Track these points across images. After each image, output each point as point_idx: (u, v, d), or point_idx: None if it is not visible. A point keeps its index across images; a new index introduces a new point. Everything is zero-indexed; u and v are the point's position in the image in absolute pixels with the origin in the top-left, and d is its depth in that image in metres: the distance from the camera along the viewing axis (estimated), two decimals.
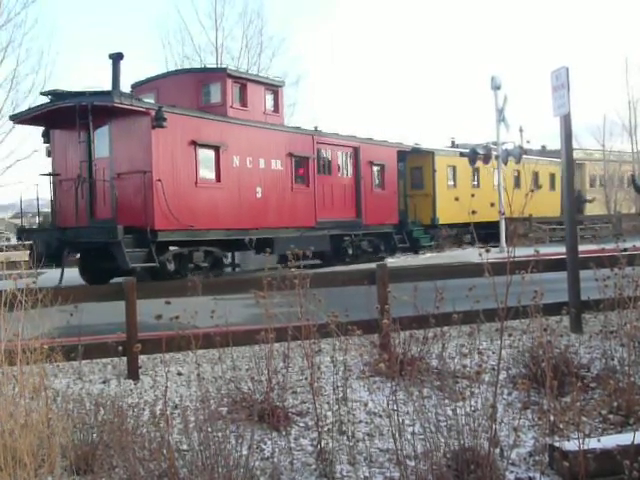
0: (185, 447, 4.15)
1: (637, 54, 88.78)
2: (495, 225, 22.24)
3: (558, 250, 10.20)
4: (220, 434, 3.97)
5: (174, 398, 5.80)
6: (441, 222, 24.37)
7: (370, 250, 21.74)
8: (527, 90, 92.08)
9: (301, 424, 5.24)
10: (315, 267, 18.66)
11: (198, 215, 15.86)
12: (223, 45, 31.24)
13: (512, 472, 4.27)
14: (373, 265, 7.43)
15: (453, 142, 31.10)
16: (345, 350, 5.26)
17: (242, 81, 17.97)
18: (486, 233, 23.09)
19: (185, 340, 4.98)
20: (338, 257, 20.45)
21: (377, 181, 22.35)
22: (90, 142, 15.07)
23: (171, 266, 15.57)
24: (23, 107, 20.56)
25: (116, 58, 15.51)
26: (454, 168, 25.40)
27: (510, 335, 6.15)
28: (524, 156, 28.15)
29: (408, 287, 6.35)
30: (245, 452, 4.04)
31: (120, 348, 6.19)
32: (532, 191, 4.12)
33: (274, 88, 19.01)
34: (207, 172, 16.44)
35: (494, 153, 23.11)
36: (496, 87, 22.56)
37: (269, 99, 18.71)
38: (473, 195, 23.84)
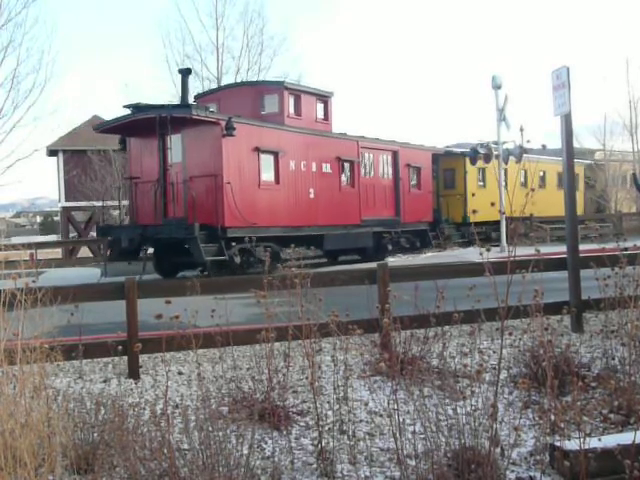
0: (186, 446, 4.15)
1: (638, 53, 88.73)
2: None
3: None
4: (221, 433, 3.97)
5: (175, 397, 5.80)
6: (471, 220, 25.23)
7: (407, 246, 23.08)
8: (528, 89, 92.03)
9: (302, 423, 5.24)
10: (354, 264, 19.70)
11: (260, 214, 17.38)
12: (224, 44, 31.25)
13: (513, 471, 4.27)
14: (374, 265, 7.44)
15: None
16: (346, 349, 5.26)
17: (297, 93, 19.52)
18: None
19: (186, 339, 4.97)
20: (378, 253, 21.52)
21: (414, 182, 23.73)
22: (165, 149, 16.84)
23: (237, 259, 16.84)
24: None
25: (185, 73, 17.78)
26: (483, 169, 26.28)
27: (511, 334, 6.15)
28: (548, 157, 28.54)
29: (409, 286, 6.35)
30: (246, 451, 4.04)
31: (120, 347, 6.19)
32: (532, 190, 4.09)
33: (324, 98, 20.54)
34: (268, 175, 17.97)
35: (495, 153, 23.21)
36: (497, 86, 22.60)
37: (320, 108, 20.32)
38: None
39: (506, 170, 24.01)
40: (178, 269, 18.10)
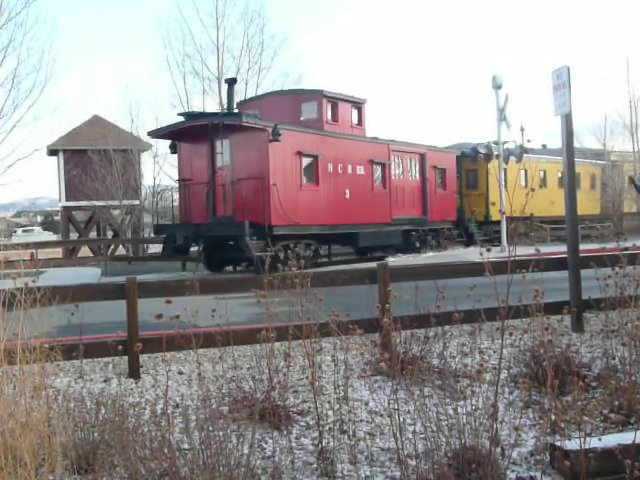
0: (186, 446, 4.15)
1: (638, 53, 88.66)
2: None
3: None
4: (221, 433, 3.97)
5: (175, 397, 5.80)
6: (493, 219, 26.27)
7: (433, 244, 24.14)
8: (528, 89, 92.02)
9: (302, 423, 5.24)
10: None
11: (301, 213, 18.71)
12: (224, 44, 31.26)
13: (513, 471, 4.27)
14: (374, 264, 7.43)
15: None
16: (346, 349, 5.25)
17: (334, 100, 20.81)
18: None
19: (186, 339, 4.97)
20: (407, 250, 22.74)
21: (439, 183, 25.21)
22: (214, 153, 18.35)
23: (281, 255, 17.57)
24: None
25: (231, 82, 19.33)
26: (505, 170, 26.64)
27: (511, 334, 6.15)
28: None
29: (409, 286, 6.35)
30: (246, 451, 4.04)
31: (121, 347, 6.17)
32: (532, 190, 4.08)
33: (358, 105, 21.82)
34: (309, 177, 19.45)
35: (495, 152, 23.30)
36: (497, 86, 22.61)
37: (354, 114, 21.66)
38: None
39: (526, 170, 24.31)
40: (224, 265, 19.59)
